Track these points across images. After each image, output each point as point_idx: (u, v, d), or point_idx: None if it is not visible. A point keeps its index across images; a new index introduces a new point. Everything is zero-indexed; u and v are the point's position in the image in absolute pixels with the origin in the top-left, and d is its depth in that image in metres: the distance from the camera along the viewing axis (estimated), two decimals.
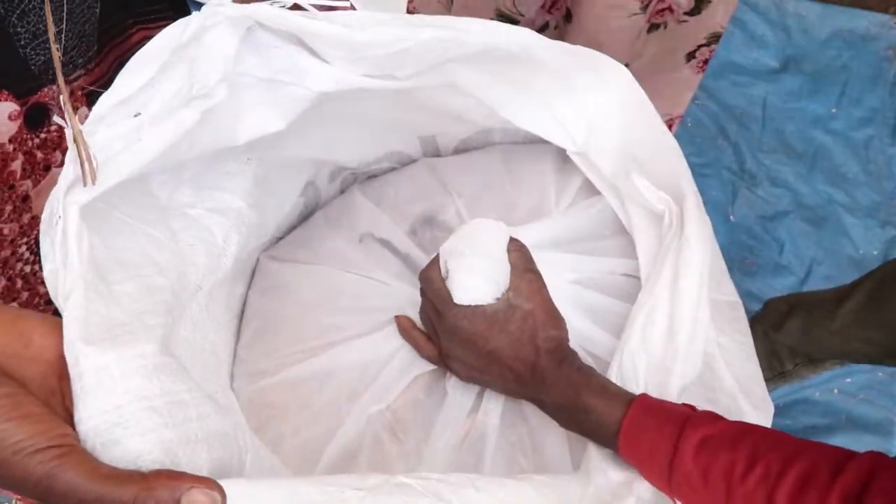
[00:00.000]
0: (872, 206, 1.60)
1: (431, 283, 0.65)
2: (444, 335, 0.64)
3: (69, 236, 0.44)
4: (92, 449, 0.39)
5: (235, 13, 0.55)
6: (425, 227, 0.85)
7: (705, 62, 1.13)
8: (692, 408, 0.56)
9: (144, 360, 0.43)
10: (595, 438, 0.59)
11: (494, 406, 0.69)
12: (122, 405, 0.40)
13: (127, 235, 0.51)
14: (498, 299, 0.62)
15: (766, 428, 0.54)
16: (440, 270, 0.65)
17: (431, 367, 0.71)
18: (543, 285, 0.65)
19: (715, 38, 1.10)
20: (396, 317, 0.72)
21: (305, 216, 0.90)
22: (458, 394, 0.70)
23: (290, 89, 0.62)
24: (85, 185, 0.45)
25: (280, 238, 0.88)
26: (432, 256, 0.79)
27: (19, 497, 1.04)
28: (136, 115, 0.51)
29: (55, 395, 0.41)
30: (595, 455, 0.59)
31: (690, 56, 1.11)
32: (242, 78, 0.59)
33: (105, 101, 0.49)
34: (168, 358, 0.46)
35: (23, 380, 0.39)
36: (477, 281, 0.62)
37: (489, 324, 0.62)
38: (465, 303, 0.62)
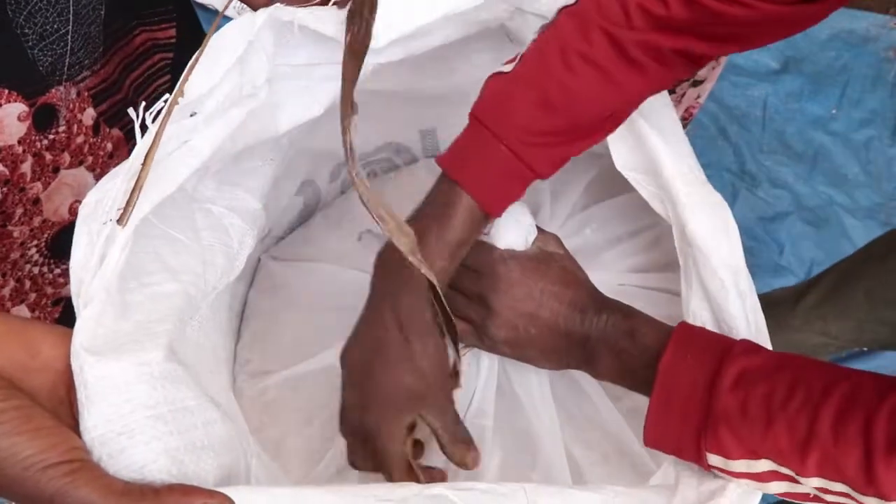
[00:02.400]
0: (873, 207, 1.60)
1: None
2: (488, 287, 0.62)
3: (115, 245, 0.44)
4: (98, 459, 0.39)
5: (280, 15, 0.56)
6: None
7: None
8: (729, 337, 0.55)
9: (149, 368, 0.43)
10: (636, 376, 0.57)
11: (487, 406, 0.69)
12: (127, 414, 0.40)
13: (146, 238, 0.50)
14: (528, 248, 0.64)
15: (806, 357, 0.52)
16: None
17: None
18: (560, 240, 0.66)
19: (697, 83, 1.11)
20: None
21: (306, 216, 0.90)
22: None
23: (325, 70, 0.62)
24: (122, 223, 0.45)
25: (281, 238, 0.88)
26: None
27: None
28: (192, 115, 0.51)
29: (63, 405, 0.41)
30: (683, 467, 0.55)
31: None
32: (279, 68, 0.59)
33: (178, 101, 0.50)
34: (173, 364, 0.45)
35: (31, 390, 0.39)
36: (515, 228, 0.64)
37: (536, 263, 0.63)
38: (504, 246, 0.63)
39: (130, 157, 0.48)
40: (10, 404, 0.37)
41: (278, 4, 0.56)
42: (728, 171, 1.62)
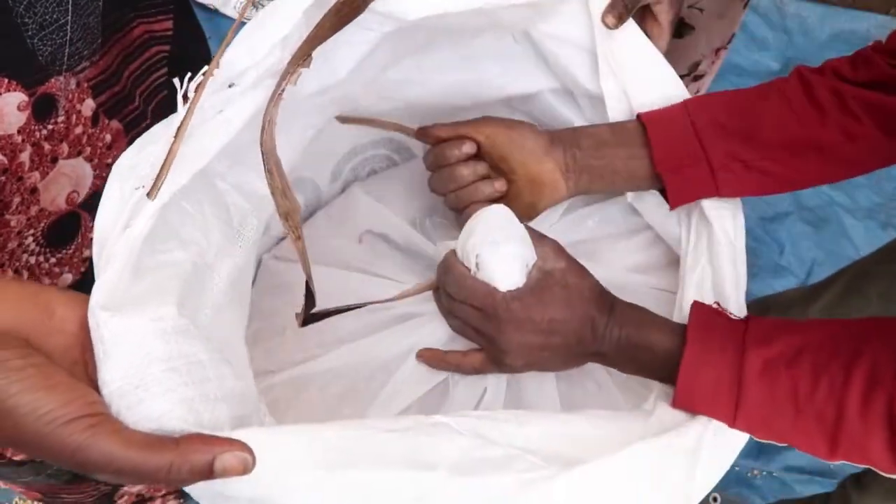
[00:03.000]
0: (873, 207, 1.60)
1: (463, 282, 0.64)
2: (495, 330, 0.63)
3: (144, 213, 0.45)
4: (117, 412, 0.40)
5: None
6: (426, 222, 0.86)
7: None
8: (742, 323, 0.58)
9: (163, 323, 0.44)
10: (658, 375, 0.61)
11: (495, 405, 0.69)
12: (143, 367, 0.41)
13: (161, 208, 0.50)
14: (529, 273, 0.64)
15: (820, 331, 0.56)
16: (465, 270, 0.65)
17: (440, 378, 0.71)
18: (560, 245, 0.66)
19: (695, 66, 1.10)
20: (419, 353, 0.70)
21: (306, 216, 0.90)
22: (460, 392, 0.70)
23: (349, 32, 0.61)
24: (151, 197, 0.46)
25: (282, 238, 0.88)
26: (433, 247, 0.79)
27: (21, 494, 1.03)
28: (230, 86, 0.51)
29: (78, 364, 0.42)
30: (661, 395, 0.60)
31: None
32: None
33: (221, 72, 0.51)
34: (185, 320, 0.46)
35: (47, 351, 0.40)
36: (515, 264, 0.63)
37: (538, 294, 0.63)
38: (509, 287, 0.63)
39: (172, 124, 0.48)
40: (28, 362, 0.38)
41: None
42: None
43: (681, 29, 1.02)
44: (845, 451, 0.52)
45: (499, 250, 0.63)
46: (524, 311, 0.62)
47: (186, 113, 0.48)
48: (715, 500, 1.36)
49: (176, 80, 0.48)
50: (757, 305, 1.32)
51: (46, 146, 0.64)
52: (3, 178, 0.61)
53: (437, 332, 0.72)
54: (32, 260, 0.68)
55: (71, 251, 0.71)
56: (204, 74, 0.50)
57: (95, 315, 0.41)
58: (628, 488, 0.51)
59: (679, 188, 0.68)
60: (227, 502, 0.45)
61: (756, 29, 1.76)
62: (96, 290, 0.42)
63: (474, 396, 0.70)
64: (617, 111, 0.71)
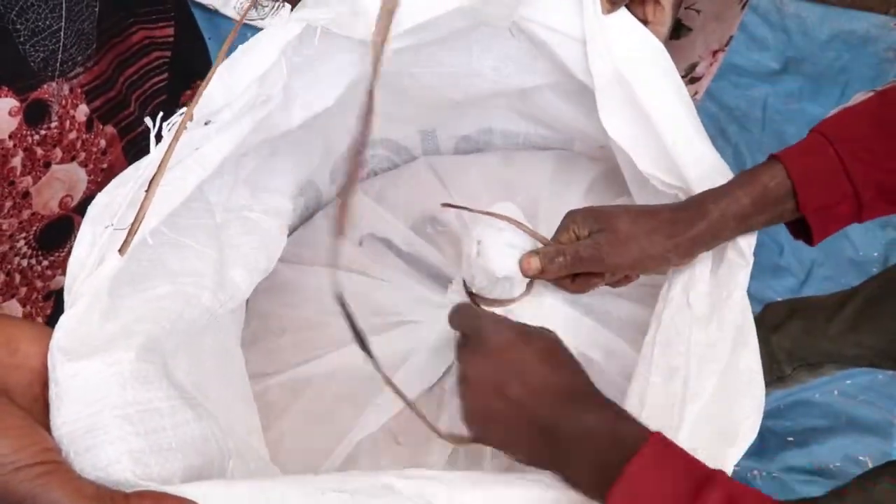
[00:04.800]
0: None
1: (466, 309, 0.60)
2: (464, 354, 0.57)
3: (114, 252, 0.45)
4: (66, 456, 0.39)
5: (310, 23, 0.56)
6: (426, 225, 0.85)
7: None
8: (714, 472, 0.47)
9: (120, 368, 0.43)
10: (601, 470, 0.48)
11: None
12: (95, 413, 0.41)
13: (150, 247, 0.50)
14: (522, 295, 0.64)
15: None
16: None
17: (435, 381, 0.71)
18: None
19: (692, 68, 1.09)
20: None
21: (306, 217, 0.90)
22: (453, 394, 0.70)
23: (336, 61, 0.62)
24: (122, 253, 0.45)
25: None
26: (434, 251, 0.79)
27: None
28: (206, 123, 0.51)
29: (38, 402, 0.41)
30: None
31: None
32: (293, 59, 0.58)
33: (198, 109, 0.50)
34: (146, 364, 0.45)
35: (7, 387, 0.40)
36: (512, 253, 0.65)
37: (521, 334, 0.56)
38: (504, 273, 0.63)
39: (144, 165, 0.47)
40: None
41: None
42: None
43: (678, 30, 1.02)
44: None
45: (499, 237, 0.65)
46: (498, 327, 0.56)
47: (160, 166, 0.47)
48: None
49: (148, 119, 0.48)
50: (784, 306, 1.31)
51: (39, 151, 0.65)
52: None
53: (430, 338, 0.72)
54: (25, 263, 0.68)
55: (64, 254, 0.72)
56: (182, 115, 0.50)
57: (53, 355, 0.41)
58: None
59: (824, 226, 0.64)
60: None
61: (756, 29, 1.75)
62: (57, 329, 0.42)
63: None
64: (608, 96, 0.67)
